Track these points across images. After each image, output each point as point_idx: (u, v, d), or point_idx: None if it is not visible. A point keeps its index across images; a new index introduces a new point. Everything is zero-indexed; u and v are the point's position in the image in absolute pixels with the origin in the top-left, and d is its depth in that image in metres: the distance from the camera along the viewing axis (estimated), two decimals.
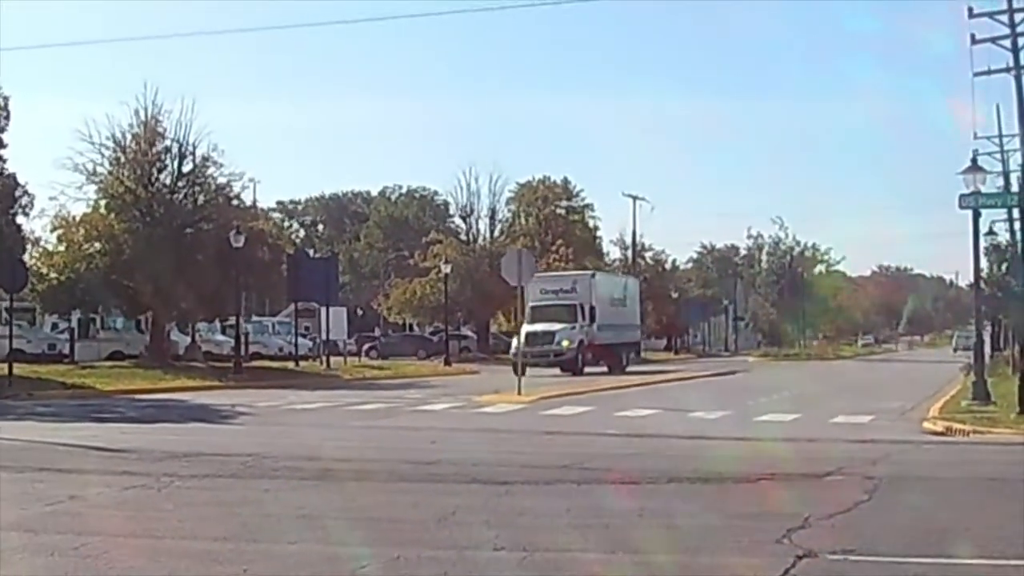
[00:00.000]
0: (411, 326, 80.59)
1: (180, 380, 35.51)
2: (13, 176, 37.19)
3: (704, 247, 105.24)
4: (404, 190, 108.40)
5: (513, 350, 43.58)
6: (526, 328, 44.42)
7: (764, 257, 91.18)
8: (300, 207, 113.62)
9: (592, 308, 47.28)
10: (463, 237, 75.03)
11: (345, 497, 11.77)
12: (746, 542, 9.17)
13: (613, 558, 8.71)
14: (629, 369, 50.18)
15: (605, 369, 46.64)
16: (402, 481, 12.85)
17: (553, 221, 77.74)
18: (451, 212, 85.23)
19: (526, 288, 48.09)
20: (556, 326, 45.57)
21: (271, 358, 49.70)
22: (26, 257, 39.48)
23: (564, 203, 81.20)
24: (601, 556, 8.76)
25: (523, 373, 41.58)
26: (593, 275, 50.81)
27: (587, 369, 45.87)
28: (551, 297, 47.83)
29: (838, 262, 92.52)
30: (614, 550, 8.97)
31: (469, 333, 72.24)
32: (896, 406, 25.01)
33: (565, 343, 45.05)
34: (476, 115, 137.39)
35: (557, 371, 44.18)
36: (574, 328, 45.35)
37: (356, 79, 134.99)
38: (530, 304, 46.31)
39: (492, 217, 77.13)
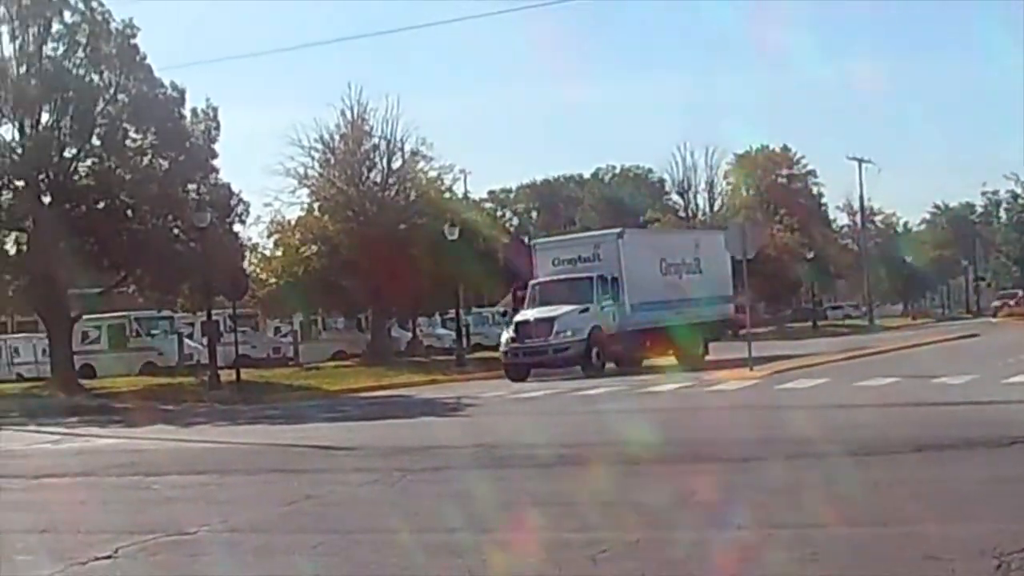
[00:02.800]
0: None
1: (404, 376, 35.96)
2: (227, 185, 37.09)
3: (937, 207, 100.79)
4: (618, 170, 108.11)
5: (503, 347, 34.28)
6: (519, 316, 34.71)
7: (1003, 214, 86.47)
8: (512, 195, 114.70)
9: (615, 280, 33.78)
10: (681, 213, 74.23)
11: (578, 482, 11.49)
12: (1007, 507, 8.55)
13: (873, 531, 8.15)
14: (857, 339, 47.18)
15: (674, 360, 33.42)
16: (635, 464, 12.45)
17: (775, 190, 75.95)
18: (667, 189, 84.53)
19: (536, 260, 36.45)
20: (561, 309, 32.64)
21: (493, 348, 50.06)
22: (245, 264, 40.57)
23: (785, 171, 79.30)
24: (852, 530, 8.20)
25: (521, 378, 31.75)
26: (621, 234, 35.91)
27: (648, 363, 34.10)
28: (566, 269, 34.70)
29: None
30: (874, 523, 8.41)
31: None
32: None
33: (569, 333, 32.42)
34: (688, 90, 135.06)
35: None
36: (586, 311, 32.63)
37: (561, 64, 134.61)
38: (535, 281, 35.33)
39: (711, 191, 76.13)
